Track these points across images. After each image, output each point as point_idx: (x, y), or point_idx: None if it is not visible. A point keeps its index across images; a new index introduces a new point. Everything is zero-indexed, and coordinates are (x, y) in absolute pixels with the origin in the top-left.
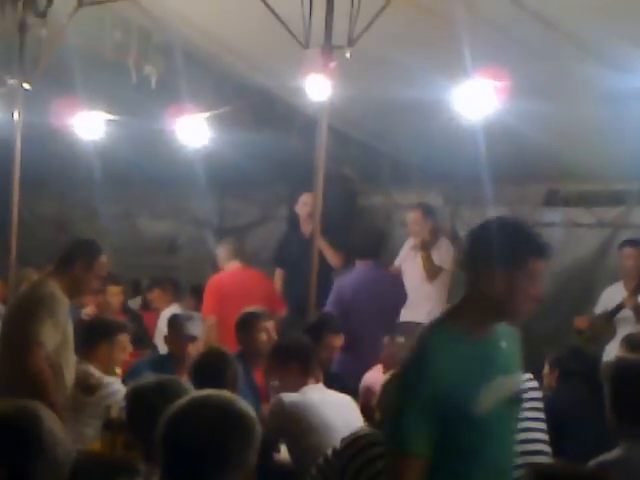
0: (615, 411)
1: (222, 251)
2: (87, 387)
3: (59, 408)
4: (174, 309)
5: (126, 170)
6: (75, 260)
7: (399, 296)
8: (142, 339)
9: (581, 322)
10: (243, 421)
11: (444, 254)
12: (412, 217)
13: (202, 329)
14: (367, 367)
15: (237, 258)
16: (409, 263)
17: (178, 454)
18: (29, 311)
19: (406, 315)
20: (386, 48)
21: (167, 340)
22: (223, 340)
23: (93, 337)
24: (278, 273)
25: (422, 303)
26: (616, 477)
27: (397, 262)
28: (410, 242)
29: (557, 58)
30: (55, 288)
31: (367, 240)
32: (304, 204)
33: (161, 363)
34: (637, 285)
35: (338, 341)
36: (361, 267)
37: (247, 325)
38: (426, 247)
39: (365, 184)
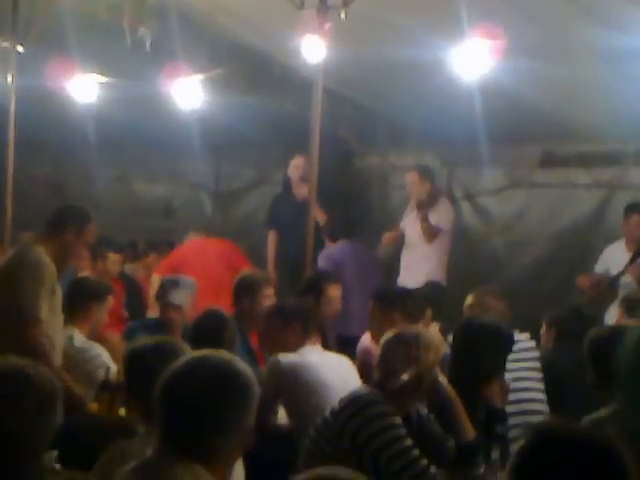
0: (595, 375)
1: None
2: None
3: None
4: None
5: (121, 133)
6: (66, 226)
7: (378, 266)
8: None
9: (584, 281)
10: (241, 381)
11: (443, 215)
12: (409, 178)
13: (188, 295)
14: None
15: (200, 235)
16: (409, 225)
17: (175, 415)
18: (17, 282)
19: (405, 276)
20: (381, 8)
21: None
22: None
23: (84, 299)
24: (271, 234)
25: (421, 264)
26: (613, 431)
27: (402, 225)
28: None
29: (555, 18)
30: (41, 254)
31: (337, 224)
32: (295, 167)
33: (153, 327)
34: (637, 252)
35: (338, 290)
36: (339, 244)
37: (251, 290)
38: (422, 207)
39: (361, 145)
